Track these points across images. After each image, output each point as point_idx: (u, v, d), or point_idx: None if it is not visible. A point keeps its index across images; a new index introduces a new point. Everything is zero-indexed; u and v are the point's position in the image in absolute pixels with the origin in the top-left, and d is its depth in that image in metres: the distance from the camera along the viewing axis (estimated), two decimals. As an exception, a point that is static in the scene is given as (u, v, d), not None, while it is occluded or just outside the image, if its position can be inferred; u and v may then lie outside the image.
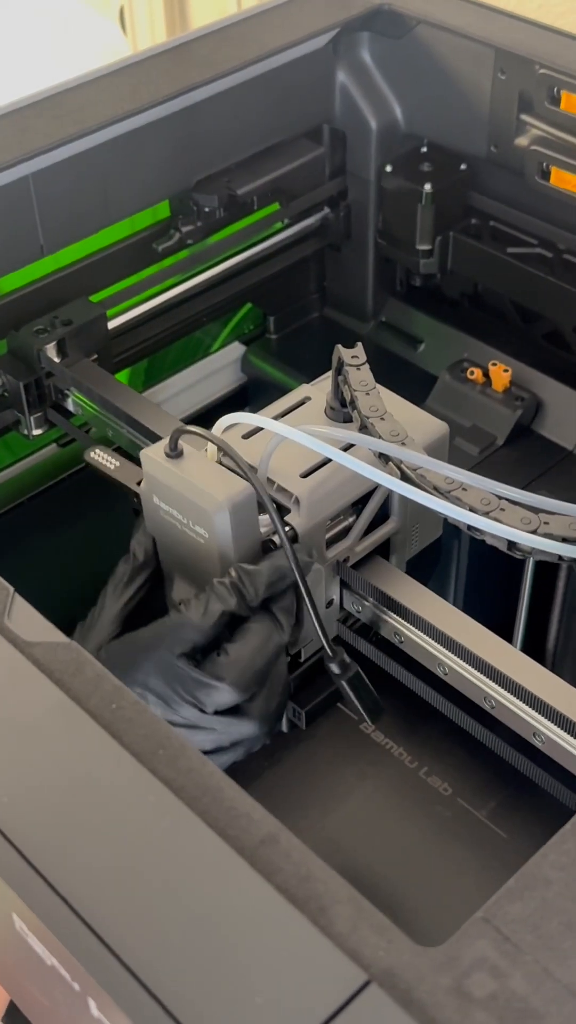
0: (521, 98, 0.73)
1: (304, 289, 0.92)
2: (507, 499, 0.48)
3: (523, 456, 0.81)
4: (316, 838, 0.64)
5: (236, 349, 0.91)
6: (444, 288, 0.87)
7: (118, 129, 0.68)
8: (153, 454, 0.54)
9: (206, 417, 0.91)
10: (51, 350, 0.71)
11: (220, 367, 0.90)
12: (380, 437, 0.50)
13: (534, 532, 0.48)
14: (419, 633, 0.57)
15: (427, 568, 0.65)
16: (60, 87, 0.69)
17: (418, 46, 0.77)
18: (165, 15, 1.55)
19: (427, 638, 0.57)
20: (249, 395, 0.93)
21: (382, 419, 0.51)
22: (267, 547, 0.55)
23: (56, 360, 0.71)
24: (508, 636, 0.64)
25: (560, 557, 0.48)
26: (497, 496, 0.49)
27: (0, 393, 0.72)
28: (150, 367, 0.86)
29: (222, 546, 0.54)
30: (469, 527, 0.48)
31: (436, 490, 0.49)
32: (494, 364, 0.83)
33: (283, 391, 0.89)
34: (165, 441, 0.54)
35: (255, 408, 0.93)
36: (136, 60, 0.72)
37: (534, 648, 0.67)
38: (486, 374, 0.83)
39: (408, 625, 0.58)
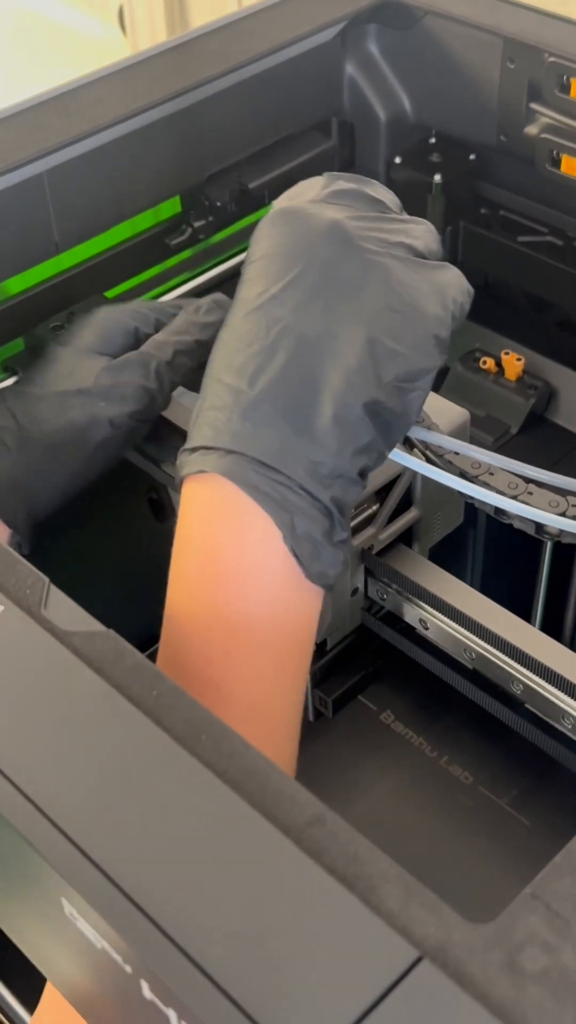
0: (530, 86, 0.74)
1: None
2: (535, 481, 0.49)
3: (538, 444, 0.81)
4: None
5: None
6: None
7: (130, 125, 0.68)
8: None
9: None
10: (67, 347, 0.71)
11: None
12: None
13: (563, 515, 0.48)
14: (444, 619, 0.57)
15: (449, 555, 0.66)
16: (71, 84, 0.70)
17: (426, 37, 0.77)
18: (165, 15, 1.55)
19: (453, 623, 0.57)
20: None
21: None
22: None
23: (72, 357, 0.71)
24: (527, 619, 0.64)
25: (588, 539, 0.48)
26: (525, 479, 0.49)
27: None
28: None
29: None
30: (497, 510, 0.49)
31: (463, 475, 0.49)
32: (507, 353, 0.83)
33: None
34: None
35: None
36: (145, 56, 0.72)
37: (553, 631, 0.67)
38: (499, 363, 0.83)
39: (433, 611, 0.58)
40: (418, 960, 0.31)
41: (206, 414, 0.48)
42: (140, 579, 0.73)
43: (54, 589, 0.41)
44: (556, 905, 0.33)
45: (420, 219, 0.52)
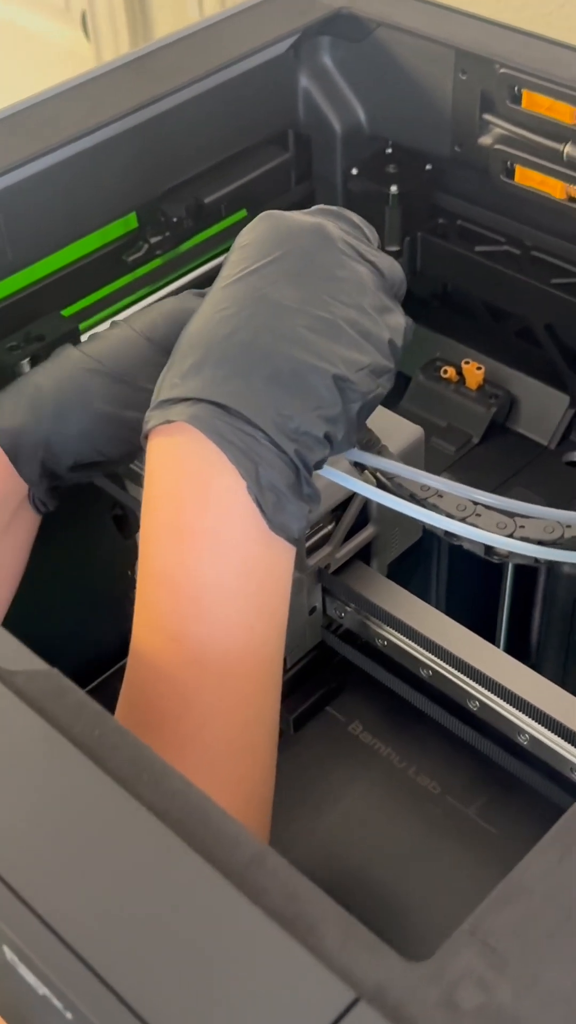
0: (483, 97, 0.74)
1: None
2: (483, 504, 0.49)
3: (500, 454, 0.82)
4: (309, 842, 0.65)
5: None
6: (414, 288, 0.87)
7: (84, 143, 0.68)
8: None
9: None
10: (25, 366, 0.71)
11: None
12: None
13: (510, 536, 0.48)
14: (401, 637, 0.57)
15: (408, 571, 0.66)
16: (23, 104, 0.69)
17: (379, 49, 0.77)
18: (128, 21, 1.55)
19: (409, 641, 0.57)
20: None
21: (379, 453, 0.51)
22: None
23: (29, 376, 0.71)
24: (491, 636, 0.65)
25: (536, 560, 0.49)
26: (473, 501, 0.49)
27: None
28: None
29: None
30: (446, 533, 0.49)
31: (412, 497, 0.49)
32: (467, 362, 0.83)
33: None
34: None
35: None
36: (99, 73, 0.72)
37: (517, 648, 0.67)
38: (459, 372, 0.84)
39: (390, 629, 0.58)
40: (355, 1002, 0.31)
41: (175, 367, 0.49)
42: (107, 594, 0.73)
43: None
44: (493, 941, 0.33)
45: (388, 256, 0.55)
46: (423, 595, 0.60)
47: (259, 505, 0.46)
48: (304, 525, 0.48)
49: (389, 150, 0.82)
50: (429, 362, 0.85)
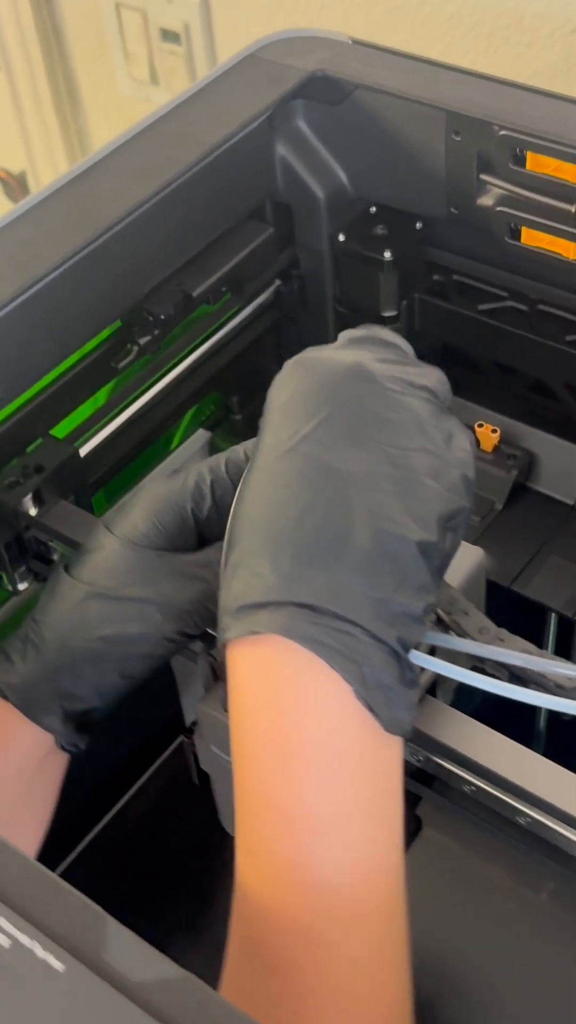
0: (480, 158, 0.69)
1: (261, 362, 0.87)
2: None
3: (526, 518, 0.78)
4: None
5: (200, 437, 0.86)
6: (414, 346, 0.82)
7: (62, 266, 0.62)
8: (210, 709, 0.50)
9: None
10: (27, 503, 0.66)
11: (186, 459, 0.86)
12: (469, 636, 0.46)
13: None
14: (493, 786, 0.54)
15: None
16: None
17: (359, 110, 0.72)
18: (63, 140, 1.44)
19: (502, 791, 0.53)
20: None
21: (466, 613, 0.47)
22: None
23: (33, 513, 0.66)
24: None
25: None
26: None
27: (-25, 554, 0.67)
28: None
29: None
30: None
31: (515, 677, 0.45)
32: (480, 425, 0.79)
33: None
34: (220, 691, 0.50)
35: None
36: (68, 180, 0.66)
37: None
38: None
39: (479, 779, 0.54)
40: None
41: (246, 563, 0.44)
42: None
43: (112, 923, 0.36)
44: None
45: (432, 366, 0.51)
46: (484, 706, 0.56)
47: (368, 706, 0.43)
48: (414, 714, 0.44)
49: (373, 209, 0.77)
50: (437, 425, 0.81)
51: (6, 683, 0.55)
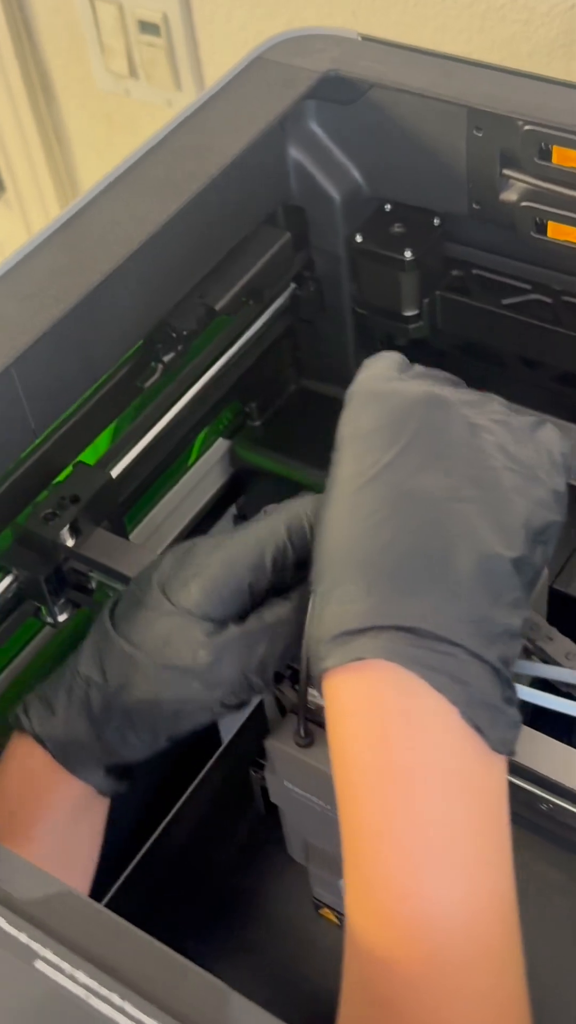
0: (503, 154, 0.67)
1: (279, 366, 0.86)
2: None
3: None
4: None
5: (220, 447, 0.85)
6: (434, 343, 0.81)
7: (88, 292, 0.61)
8: (282, 744, 0.49)
9: (200, 526, 0.85)
10: (65, 534, 0.64)
11: (206, 471, 0.84)
12: (554, 661, 0.46)
13: None
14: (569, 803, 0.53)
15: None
16: (11, 260, 0.61)
17: (374, 109, 0.70)
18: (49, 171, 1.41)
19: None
20: (240, 486, 0.87)
21: (550, 639, 0.47)
22: None
23: (71, 544, 0.64)
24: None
25: None
26: None
27: (15, 587, 0.66)
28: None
29: None
30: None
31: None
32: (509, 420, 0.78)
33: (278, 481, 0.83)
34: (289, 725, 0.49)
35: (250, 501, 0.87)
36: (89, 199, 0.64)
37: None
38: (501, 431, 0.78)
39: (554, 796, 0.53)
40: None
41: (337, 592, 0.44)
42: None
43: (236, 997, 0.36)
44: None
45: (491, 394, 0.51)
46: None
47: (476, 727, 0.42)
48: (519, 732, 0.44)
49: (388, 207, 0.76)
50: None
51: (48, 735, 0.54)
